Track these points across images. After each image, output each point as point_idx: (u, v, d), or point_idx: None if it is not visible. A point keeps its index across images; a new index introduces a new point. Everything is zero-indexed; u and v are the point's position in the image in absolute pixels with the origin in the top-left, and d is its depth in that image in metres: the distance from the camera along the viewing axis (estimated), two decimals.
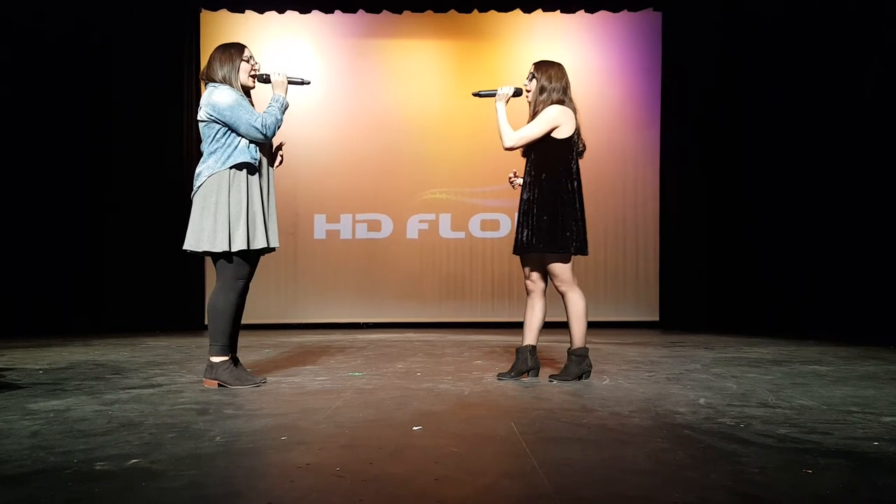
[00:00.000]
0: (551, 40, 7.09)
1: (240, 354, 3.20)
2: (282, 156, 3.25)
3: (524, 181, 3.25)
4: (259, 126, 2.96)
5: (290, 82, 3.16)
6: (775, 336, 5.65)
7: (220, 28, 7.01)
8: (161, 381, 3.26)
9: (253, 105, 3.07)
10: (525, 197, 3.20)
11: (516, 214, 3.27)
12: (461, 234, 7.25)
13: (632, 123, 7.23)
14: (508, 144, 3.19)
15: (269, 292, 6.82)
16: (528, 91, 3.26)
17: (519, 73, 3.37)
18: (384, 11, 7.12)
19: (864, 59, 6.23)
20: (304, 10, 7.07)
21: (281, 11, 7.06)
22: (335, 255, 7.20)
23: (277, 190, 3.23)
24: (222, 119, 2.95)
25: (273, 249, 3.12)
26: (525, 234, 3.17)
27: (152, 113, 6.85)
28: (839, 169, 6.47)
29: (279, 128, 3.05)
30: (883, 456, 1.87)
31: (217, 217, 2.93)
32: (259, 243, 3.01)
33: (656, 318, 7.17)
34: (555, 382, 3.16)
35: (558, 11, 7.13)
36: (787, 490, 1.58)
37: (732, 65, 6.88)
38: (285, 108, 3.10)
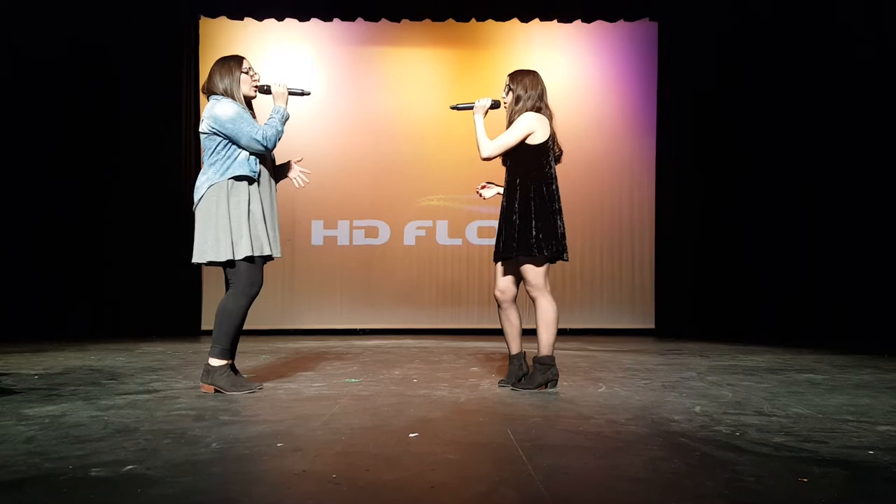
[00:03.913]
0: (548, 49, 7.13)
1: (236, 360, 3.20)
2: (303, 172, 3.25)
3: (504, 189, 3.26)
4: (260, 138, 2.98)
5: (290, 93, 3.17)
6: (770, 344, 5.66)
7: (219, 35, 7.04)
8: (157, 386, 3.25)
9: (255, 116, 3.08)
10: (504, 204, 3.21)
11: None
12: (458, 241, 7.26)
13: (628, 132, 7.26)
14: (485, 154, 3.21)
15: (266, 298, 6.72)
16: (506, 104, 3.28)
17: None
18: (382, 20, 7.15)
19: (860, 69, 6.28)
20: (303, 17, 7.11)
21: (280, 19, 7.09)
22: (332, 262, 7.20)
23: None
24: (223, 131, 2.96)
25: (272, 258, 3.12)
26: (501, 240, 3.18)
27: (152, 120, 6.86)
28: (834, 179, 6.51)
29: (280, 139, 3.07)
30: (878, 465, 1.88)
31: (219, 226, 2.94)
32: (264, 251, 3.02)
33: (652, 325, 7.18)
34: (516, 390, 3.15)
35: (555, 21, 7.17)
36: (783, 498, 1.58)
37: (728, 74, 6.93)
38: (286, 119, 3.12)
